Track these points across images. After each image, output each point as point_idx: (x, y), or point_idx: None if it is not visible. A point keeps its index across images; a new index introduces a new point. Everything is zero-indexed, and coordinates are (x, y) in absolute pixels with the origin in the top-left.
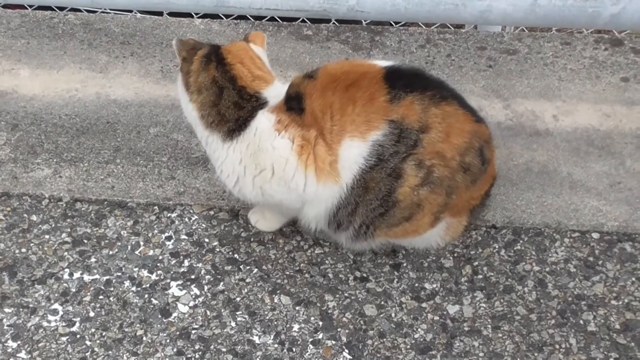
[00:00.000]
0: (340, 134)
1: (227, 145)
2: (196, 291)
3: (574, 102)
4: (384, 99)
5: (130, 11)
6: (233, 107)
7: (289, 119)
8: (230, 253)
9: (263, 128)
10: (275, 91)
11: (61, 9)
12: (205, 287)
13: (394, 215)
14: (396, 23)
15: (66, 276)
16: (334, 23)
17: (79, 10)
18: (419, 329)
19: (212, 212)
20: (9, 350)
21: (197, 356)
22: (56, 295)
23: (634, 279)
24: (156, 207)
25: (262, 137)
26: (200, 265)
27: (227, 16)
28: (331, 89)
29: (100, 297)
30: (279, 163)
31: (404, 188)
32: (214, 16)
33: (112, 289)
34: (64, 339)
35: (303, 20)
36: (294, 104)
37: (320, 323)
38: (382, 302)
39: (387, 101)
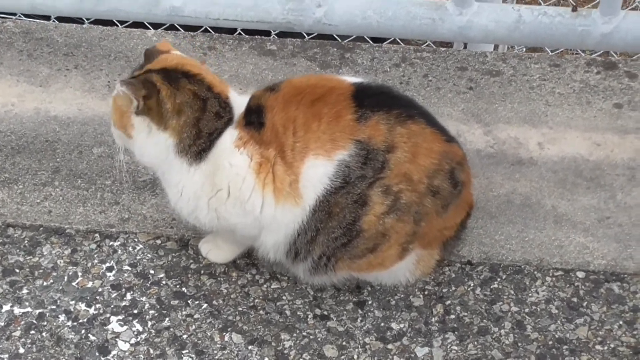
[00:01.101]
0: (303, 151)
1: (194, 168)
2: (139, 327)
3: (561, 129)
4: (350, 118)
5: (82, 22)
6: (214, 118)
7: (248, 135)
8: (178, 286)
9: (225, 145)
10: (238, 101)
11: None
12: (149, 323)
13: (357, 246)
14: (375, 41)
15: None
16: (308, 38)
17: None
18: None
19: (159, 241)
20: None
21: None
22: None
23: (621, 322)
24: (97, 235)
25: (222, 154)
26: (144, 299)
27: (184, 27)
28: (295, 102)
29: (32, 332)
30: (235, 182)
31: (369, 216)
32: (170, 27)
33: (45, 323)
34: None
35: (280, 34)
36: (253, 117)
37: None
38: (344, 343)
39: (354, 120)
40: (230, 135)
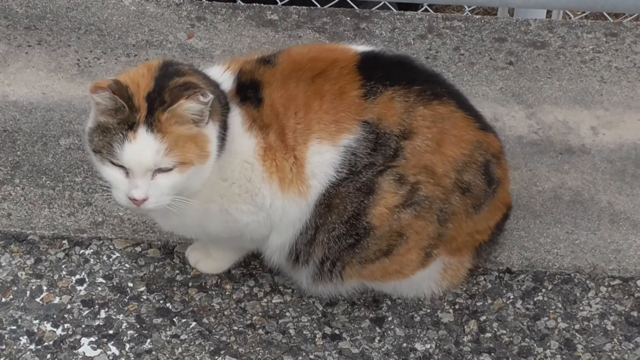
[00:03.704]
0: (305, 134)
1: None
2: (115, 350)
3: (619, 110)
4: (356, 94)
5: None
6: None
7: (249, 115)
8: (162, 301)
9: (233, 128)
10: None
11: None
12: (127, 346)
13: (367, 247)
14: (402, 7)
15: None
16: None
17: None
18: None
19: (138, 249)
20: None
21: None
22: None
23: None
24: (65, 242)
25: (230, 139)
26: (121, 316)
27: None
28: (294, 78)
29: None
30: (245, 170)
31: (379, 208)
32: None
33: (3, 346)
34: None
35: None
36: (249, 92)
37: None
38: None
39: (360, 96)
40: (236, 117)
